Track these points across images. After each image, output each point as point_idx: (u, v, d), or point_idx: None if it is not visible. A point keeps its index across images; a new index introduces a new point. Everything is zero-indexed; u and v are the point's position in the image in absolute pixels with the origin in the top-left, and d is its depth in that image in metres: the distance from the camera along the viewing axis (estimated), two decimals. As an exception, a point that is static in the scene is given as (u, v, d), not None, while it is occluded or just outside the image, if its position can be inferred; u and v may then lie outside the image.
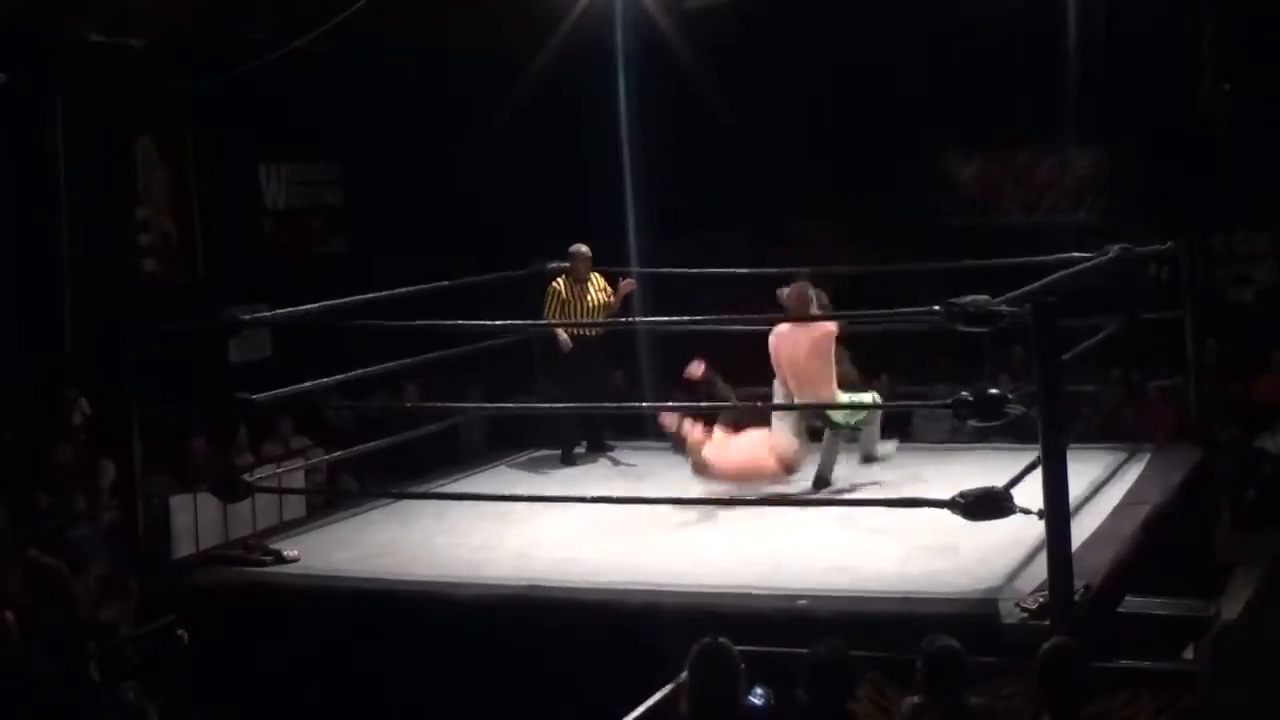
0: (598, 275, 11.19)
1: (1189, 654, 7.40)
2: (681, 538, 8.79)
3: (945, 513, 7.51)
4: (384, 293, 9.59)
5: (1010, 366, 12.23)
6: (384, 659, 7.87)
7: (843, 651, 5.84)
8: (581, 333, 11.00)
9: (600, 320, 10.94)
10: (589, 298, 11.07)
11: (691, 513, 9.12)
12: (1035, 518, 7.28)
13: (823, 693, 5.73)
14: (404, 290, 9.72)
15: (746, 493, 9.18)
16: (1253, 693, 5.12)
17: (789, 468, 9.43)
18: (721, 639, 5.59)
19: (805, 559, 8.25)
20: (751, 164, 14.74)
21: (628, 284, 11.14)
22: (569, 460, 11.03)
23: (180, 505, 9.31)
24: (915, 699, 5.73)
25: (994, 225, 14.90)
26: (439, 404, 12.31)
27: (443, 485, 10.42)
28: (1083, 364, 10.26)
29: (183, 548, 9.13)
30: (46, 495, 10.55)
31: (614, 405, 11.31)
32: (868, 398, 9.82)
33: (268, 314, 10.69)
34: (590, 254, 11.15)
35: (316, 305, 9.49)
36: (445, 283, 10.34)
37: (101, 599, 8.55)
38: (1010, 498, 7.38)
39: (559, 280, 11.05)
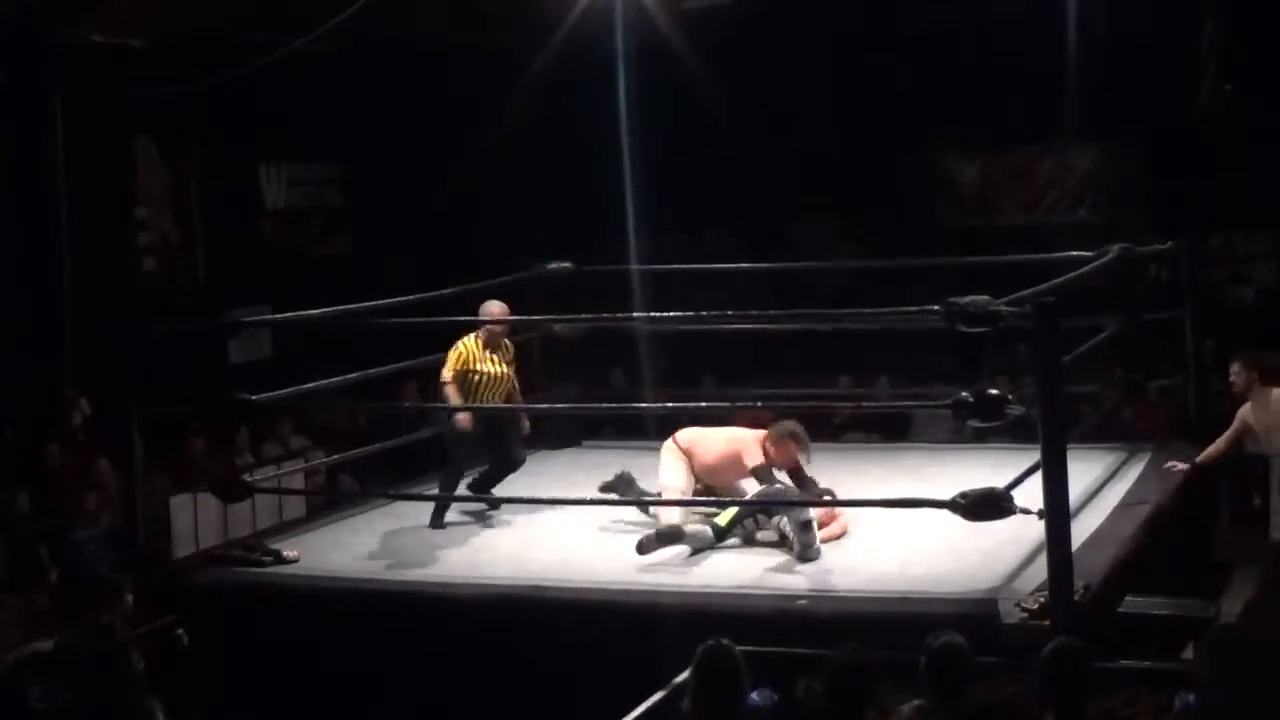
0: (509, 343, 9.60)
1: (1189, 654, 7.40)
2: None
3: (945, 513, 7.50)
4: (388, 300, 9.57)
5: (1010, 366, 12.22)
6: (383, 659, 7.86)
7: (863, 656, 5.82)
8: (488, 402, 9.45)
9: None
10: (495, 368, 9.44)
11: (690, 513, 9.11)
12: (1035, 518, 7.28)
13: (841, 697, 5.72)
14: (409, 298, 9.68)
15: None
16: (1252, 693, 5.12)
17: None
18: (724, 640, 5.59)
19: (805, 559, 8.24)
20: (751, 164, 14.75)
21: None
22: (438, 525, 9.33)
23: (180, 505, 9.31)
24: (917, 702, 5.72)
25: (994, 225, 14.91)
26: (438, 404, 12.31)
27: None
28: (1083, 364, 10.27)
29: (183, 548, 9.13)
30: (45, 496, 10.56)
31: (614, 405, 11.31)
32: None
33: (267, 315, 10.70)
34: (505, 313, 9.50)
35: (319, 311, 9.47)
36: (449, 289, 10.29)
37: (96, 601, 8.55)
38: (1010, 498, 7.38)
39: (468, 340, 9.41)
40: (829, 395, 11.76)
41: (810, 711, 5.80)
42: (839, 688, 5.69)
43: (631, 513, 9.20)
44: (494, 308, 9.48)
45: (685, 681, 5.90)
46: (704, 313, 10.73)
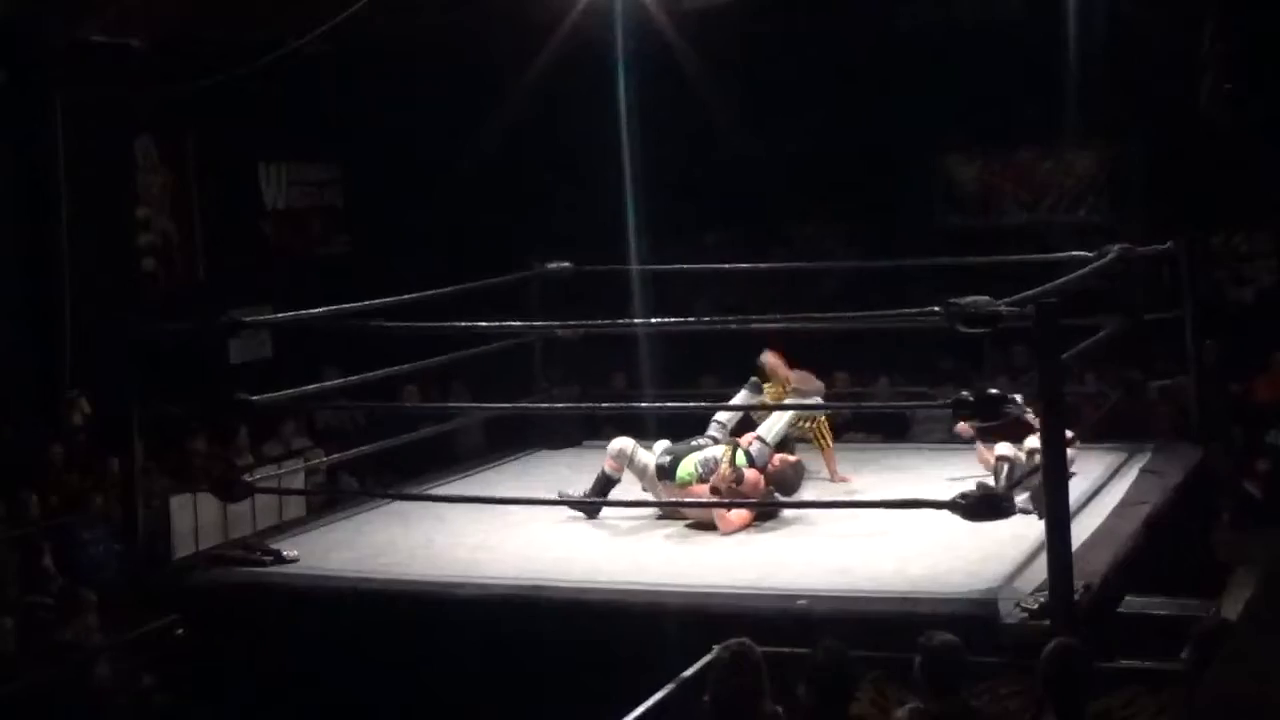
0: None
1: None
2: (682, 538, 8.80)
3: (945, 513, 7.51)
4: (388, 299, 9.56)
5: (1010, 366, 12.23)
6: (383, 659, 7.86)
7: (843, 653, 5.84)
8: None
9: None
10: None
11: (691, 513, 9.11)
12: (1035, 518, 7.28)
13: (824, 695, 5.73)
14: (408, 297, 9.68)
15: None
16: (1252, 693, 5.12)
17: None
18: (745, 640, 5.61)
19: (805, 559, 8.25)
20: (751, 164, 14.75)
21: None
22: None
23: (180, 505, 9.32)
24: (913, 704, 5.72)
25: (994, 225, 14.91)
26: (440, 404, 12.32)
27: (442, 486, 10.41)
28: (1083, 364, 10.27)
29: (183, 548, 9.13)
30: (49, 496, 10.57)
31: (614, 405, 11.31)
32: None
33: (267, 315, 10.70)
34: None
35: (320, 310, 9.47)
36: (449, 288, 10.30)
37: (67, 613, 8.60)
38: (1010, 498, 7.39)
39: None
40: (829, 395, 11.75)
41: (799, 711, 5.81)
42: (820, 687, 5.71)
43: (632, 512, 9.21)
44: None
45: (697, 678, 5.92)
46: (704, 318, 10.72)
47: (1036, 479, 8.22)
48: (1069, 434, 8.86)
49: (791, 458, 9.36)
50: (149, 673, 8.09)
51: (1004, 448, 9.02)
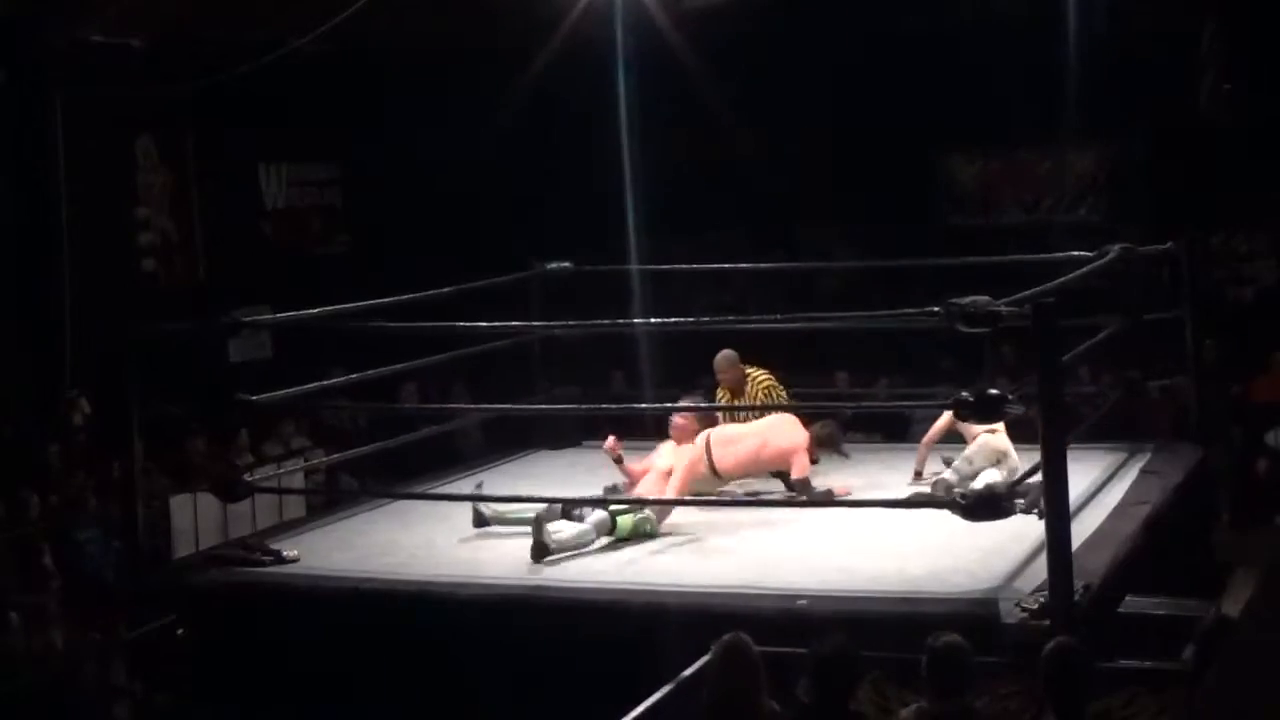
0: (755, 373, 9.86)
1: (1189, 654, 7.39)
2: (681, 538, 8.79)
3: (945, 512, 7.51)
4: (387, 299, 9.56)
5: (1010, 366, 12.22)
6: (384, 659, 7.86)
7: (847, 646, 5.83)
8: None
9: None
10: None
11: (691, 513, 9.11)
12: (1035, 518, 7.28)
13: (827, 688, 5.73)
14: (408, 296, 9.68)
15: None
16: (1253, 693, 5.12)
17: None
18: (743, 635, 5.60)
19: (805, 559, 8.24)
20: (751, 164, 14.75)
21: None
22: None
23: (180, 505, 9.32)
24: (917, 704, 5.71)
25: (994, 225, 14.92)
26: (441, 405, 12.32)
27: (442, 485, 10.41)
28: (1083, 364, 10.25)
29: (183, 548, 9.13)
30: (48, 496, 10.57)
31: (613, 405, 11.30)
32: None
33: (267, 316, 10.69)
34: (734, 357, 9.85)
35: (318, 310, 9.46)
36: (448, 288, 10.30)
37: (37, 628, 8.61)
38: (1010, 498, 7.38)
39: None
40: (829, 395, 11.77)
41: (800, 705, 5.80)
42: (825, 678, 5.70)
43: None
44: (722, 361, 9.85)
45: (700, 675, 5.92)
46: (704, 318, 10.72)
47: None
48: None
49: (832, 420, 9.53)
50: (149, 673, 8.09)
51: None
